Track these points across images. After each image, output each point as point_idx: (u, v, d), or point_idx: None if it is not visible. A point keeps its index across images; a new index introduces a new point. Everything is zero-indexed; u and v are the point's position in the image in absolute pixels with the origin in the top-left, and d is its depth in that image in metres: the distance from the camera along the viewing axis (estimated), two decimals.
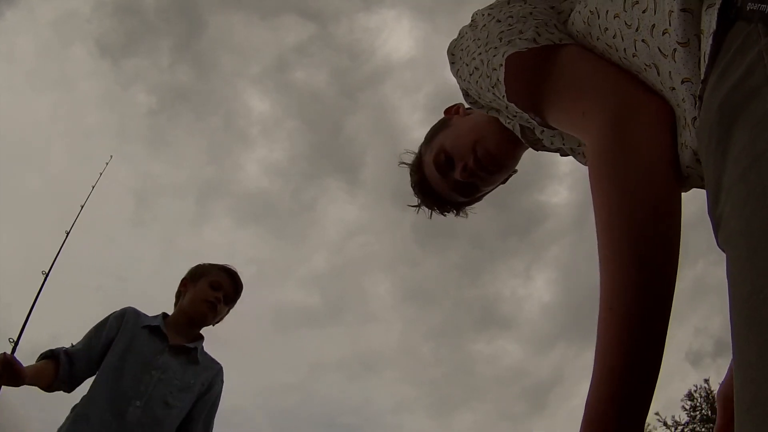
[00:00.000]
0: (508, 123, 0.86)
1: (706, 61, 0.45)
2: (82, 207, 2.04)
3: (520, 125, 0.84)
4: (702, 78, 0.46)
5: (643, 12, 0.55)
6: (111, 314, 1.76)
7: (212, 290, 1.82)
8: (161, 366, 1.69)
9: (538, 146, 0.89)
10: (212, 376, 1.78)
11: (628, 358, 0.51)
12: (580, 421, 0.52)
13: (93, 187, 2.14)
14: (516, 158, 1.01)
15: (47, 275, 1.80)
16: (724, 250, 0.42)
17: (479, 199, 1.11)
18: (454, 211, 1.12)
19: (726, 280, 0.40)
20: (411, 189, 1.11)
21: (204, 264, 1.91)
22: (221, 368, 1.79)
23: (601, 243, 0.55)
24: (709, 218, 0.44)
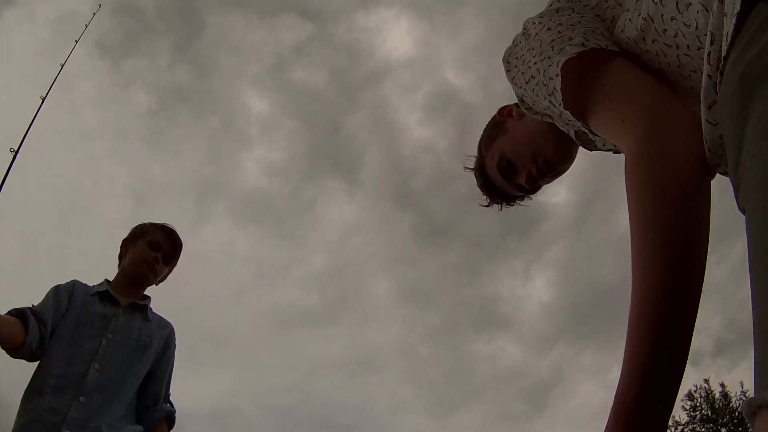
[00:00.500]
0: (563, 128, 0.88)
1: (728, 40, 0.48)
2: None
3: (575, 130, 0.86)
4: (724, 55, 0.49)
5: (697, 12, 0.59)
6: (60, 285, 1.72)
7: (151, 250, 1.82)
8: (116, 328, 1.67)
9: (592, 147, 0.91)
10: (167, 334, 1.79)
11: (659, 353, 0.53)
12: (608, 414, 0.55)
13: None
14: (573, 156, 1.05)
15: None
16: (743, 211, 0.43)
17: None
18: (521, 201, 1.16)
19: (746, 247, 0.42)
20: (478, 189, 1.15)
21: (143, 224, 1.90)
22: (173, 328, 1.82)
23: (637, 244, 0.57)
24: (730, 182, 0.46)
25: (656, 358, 0.53)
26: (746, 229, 0.42)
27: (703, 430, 15.45)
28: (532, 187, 1.07)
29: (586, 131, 0.82)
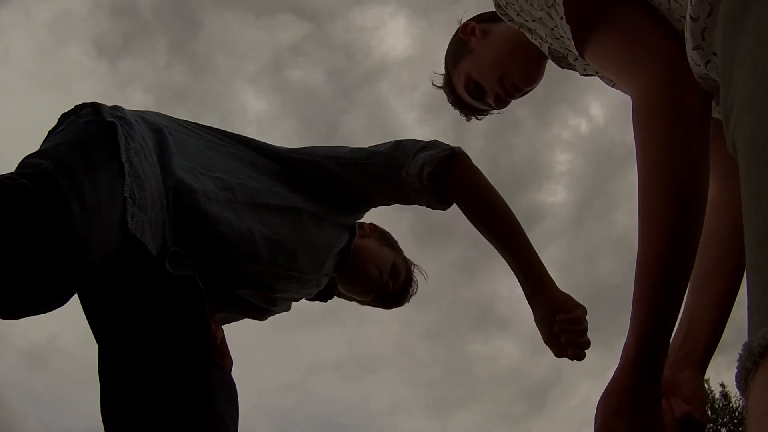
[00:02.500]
0: (535, 40, 0.85)
1: None
2: None
3: (549, 45, 0.84)
4: None
5: None
6: None
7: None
8: None
9: (564, 65, 0.90)
10: None
11: (664, 290, 0.60)
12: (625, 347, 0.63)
13: None
14: (542, 73, 1.05)
15: None
16: (734, 149, 0.42)
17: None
18: (491, 113, 1.16)
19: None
20: (449, 104, 1.16)
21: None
22: None
23: (647, 184, 0.61)
24: (721, 118, 0.45)
25: (662, 298, 0.60)
26: (740, 161, 0.40)
27: None
28: (502, 106, 1.08)
29: (566, 54, 0.81)
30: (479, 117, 1.16)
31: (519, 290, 0.97)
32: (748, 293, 0.36)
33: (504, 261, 0.97)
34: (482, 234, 0.99)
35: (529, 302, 0.94)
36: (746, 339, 0.33)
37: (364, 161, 1.02)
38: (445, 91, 1.15)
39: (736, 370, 0.33)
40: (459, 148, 1.00)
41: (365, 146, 1.06)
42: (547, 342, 0.91)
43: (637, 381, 0.62)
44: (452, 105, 1.15)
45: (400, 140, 1.04)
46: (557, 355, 0.91)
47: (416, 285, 1.25)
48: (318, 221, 1.03)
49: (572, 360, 0.88)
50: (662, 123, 0.60)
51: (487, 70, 1.03)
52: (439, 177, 0.96)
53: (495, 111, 1.13)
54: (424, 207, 1.05)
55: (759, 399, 0.31)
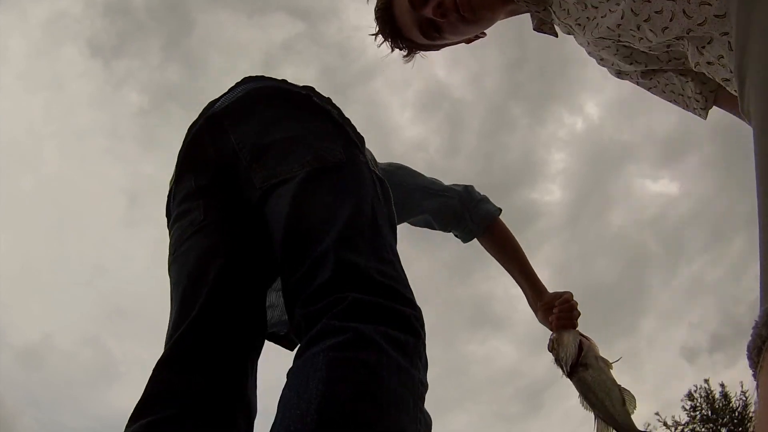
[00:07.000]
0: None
1: None
2: None
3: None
4: None
5: None
6: None
7: None
8: None
9: (544, 29, 0.86)
10: None
11: None
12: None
13: None
14: (493, 17, 0.97)
15: None
16: (747, 114, 0.41)
17: (436, 48, 1.08)
18: (406, 50, 1.09)
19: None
20: (373, 13, 1.07)
21: None
22: None
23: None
24: (737, 89, 0.44)
25: None
26: (753, 128, 0.39)
27: (703, 430, 15.41)
28: (434, 25, 0.98)
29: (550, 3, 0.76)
30: (398, 45, 1.08)
31: (515, 290, 1.30)
32: (761, 266, 0.35)
33: (502, 267, 1.32)
34: (501, 263, 1.31)
35: (531, 305, 1.26)
36: (759, 310, 0.32)
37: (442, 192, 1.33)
38: (380, 26, 1.07)
39: (749, 340, 0.31)
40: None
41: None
42: (544, 322, 1.23)
43: None
44: (375, 13, 1.06)
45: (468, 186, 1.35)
46: (557, 329, 1.18)
47: None
48: None
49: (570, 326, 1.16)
50: None
51: None
52: (487, 228, 1.31)
53: (412, 51, 1.07)
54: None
55: None
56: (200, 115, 0.98)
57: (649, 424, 16.02)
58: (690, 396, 15.57)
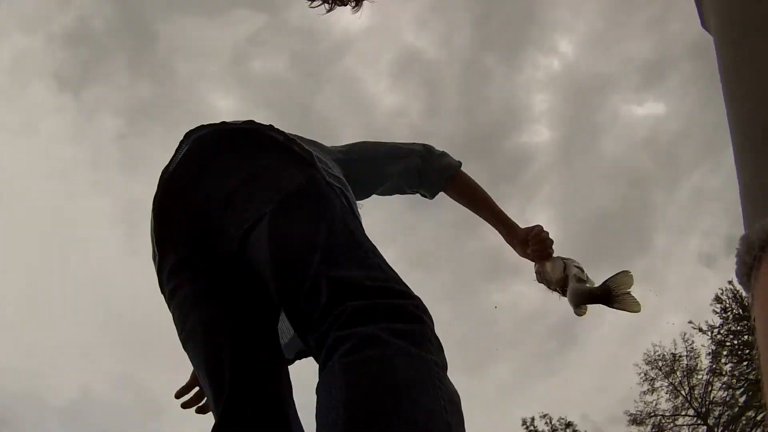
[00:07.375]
0: None
1: None
2: None
3: None
4: None
5: None
6: None
7: None
8: None
9: None
10: None
11: None
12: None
13: None
14: None
15: None
16: (707, 27, 0.41)
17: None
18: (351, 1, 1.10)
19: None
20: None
21: None
22: None
23: None
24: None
25: None
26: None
27: (738, 327, 15.56)
28: None
29: None
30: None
31: None
32: (739, 182, 0.33)
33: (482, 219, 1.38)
34: (472, 211, 1.36)
35: (506, 239, 1.35)
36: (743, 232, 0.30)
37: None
38: None
39: (735, 267, 0.30)
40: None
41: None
42: (524, 256, 1.32)
43: None
44: None
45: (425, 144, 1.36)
46: (536, 259, 1.29)
47: None
48: None
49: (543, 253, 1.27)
50: None
51: None
52: (450, 180, 1.34)
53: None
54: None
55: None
56: (158, 186, 1.02)
57: (685, 333, 16.21)
58: (718, 299, 15.70)
